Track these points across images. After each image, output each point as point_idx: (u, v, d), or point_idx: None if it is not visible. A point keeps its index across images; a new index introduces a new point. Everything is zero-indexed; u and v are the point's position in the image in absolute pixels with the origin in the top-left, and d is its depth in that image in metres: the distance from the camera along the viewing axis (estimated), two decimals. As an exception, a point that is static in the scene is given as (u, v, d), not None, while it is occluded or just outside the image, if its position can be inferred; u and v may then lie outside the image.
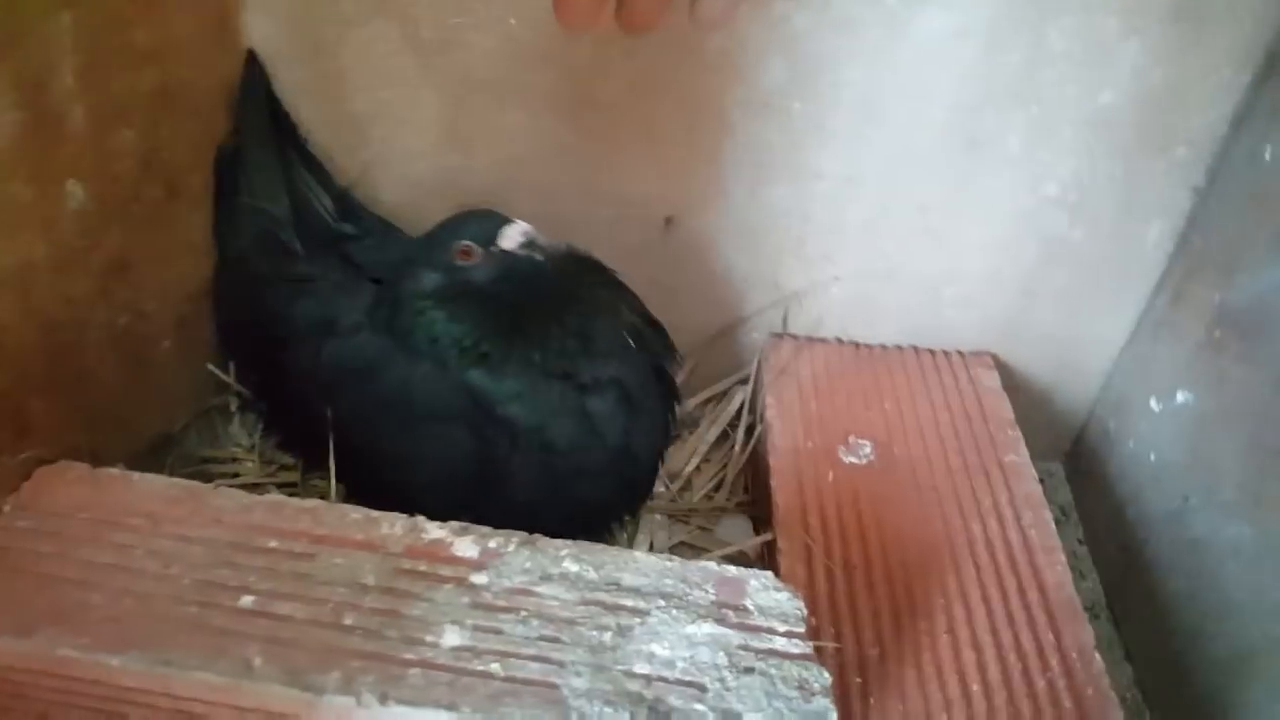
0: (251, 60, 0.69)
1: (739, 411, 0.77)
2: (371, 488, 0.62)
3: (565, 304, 0.59)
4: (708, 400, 0.80)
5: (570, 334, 0.58)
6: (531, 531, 0.50)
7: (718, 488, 0.74)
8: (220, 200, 0.69)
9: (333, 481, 0.62)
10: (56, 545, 0.47)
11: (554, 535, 0.50)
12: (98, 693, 0.44)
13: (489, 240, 0.58)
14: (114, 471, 0.52)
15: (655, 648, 0.44)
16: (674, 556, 0.49)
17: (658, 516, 0.72)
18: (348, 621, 0.44)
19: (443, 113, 0.73)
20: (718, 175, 0.70)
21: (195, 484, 0.51)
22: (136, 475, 0.52)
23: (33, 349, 0.50)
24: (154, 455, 0.67)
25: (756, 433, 0.71)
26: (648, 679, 0.43)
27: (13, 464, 0.49)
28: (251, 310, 0.68)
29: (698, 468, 0.76)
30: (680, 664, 0.43)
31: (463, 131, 0.73)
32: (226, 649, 0.43)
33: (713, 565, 0.48)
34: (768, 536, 0.61)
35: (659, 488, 0.74)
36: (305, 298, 0.66)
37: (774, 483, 0.63)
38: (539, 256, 0.58)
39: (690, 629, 0.45)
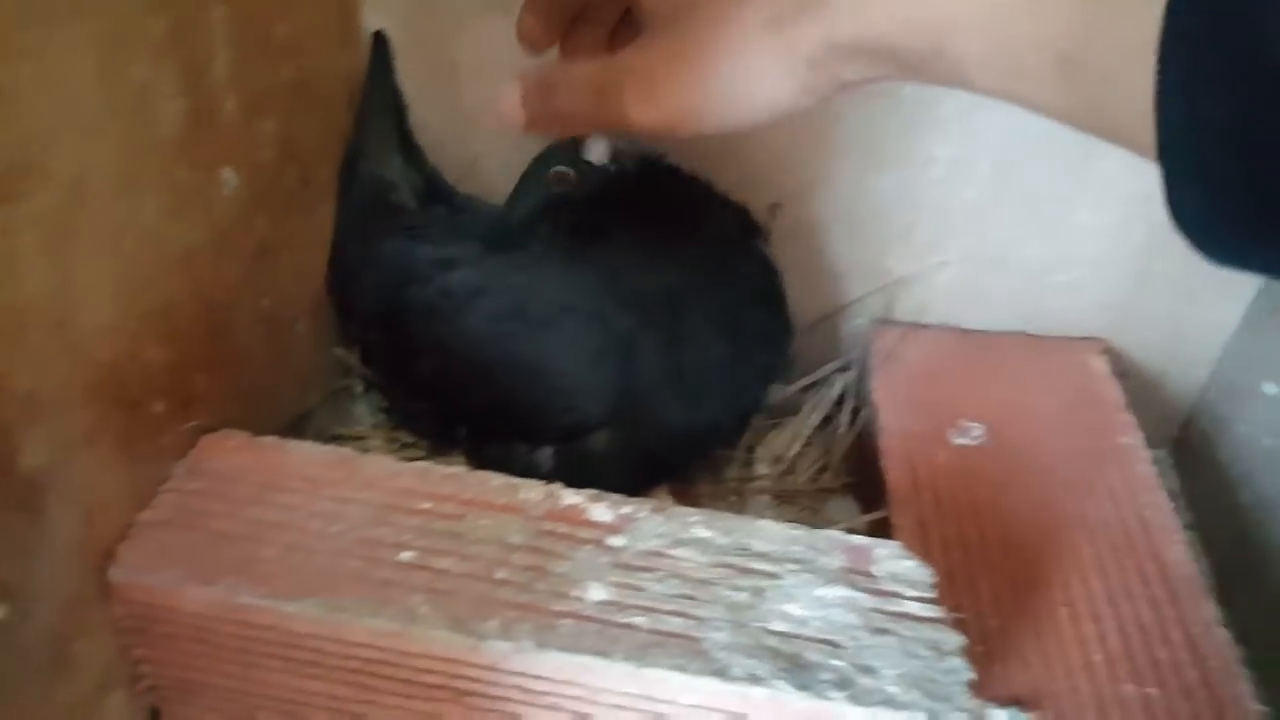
0: (379, 39, 0.72)
1: (841, 397, 0.79)
2: (494, 418, 0.65)
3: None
4: (808, 386, 0.82)
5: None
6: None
7: (822, 470, 0.75)
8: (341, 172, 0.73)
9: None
10: (226, 505, 0.51)
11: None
12: (272, 638, 0.47)
13: (576, 159, 0.61)
14: (271, 439, 0.56)
15: (789, 608, 0.46)
16: (800, 525, 0.51)
17: (764, 498, 0.74)
18: (499, 576, 0.47)
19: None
20: (825, 161, 0.72)
21: (347, 450, 0.55)
22: (291, 443, 0.55)
23: (197, 327, 0.53)
24: (293, 431, 0.70)
25: (862, 416, 0.73)
26: (784, 635, 0.45)
27: (181, 431, 0.53)
28: (368, 266, 0.71)
29: (801, 451, 0.77)
30: (815, 623, 0.45)
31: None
32: (392, 598, 0.46)
33: (838, 534, 0.50)
34: (881, 513, 0.63)
35: (763, 469, 0.76)
36: (419, 242, 0.69)
37: (884, 463, 0.65)
38: (628, 164, 0.60)
39: (822, 591, 0.47)
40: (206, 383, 0.56)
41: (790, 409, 0.80)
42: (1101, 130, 0.31)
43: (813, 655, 0.44)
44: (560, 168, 0.61)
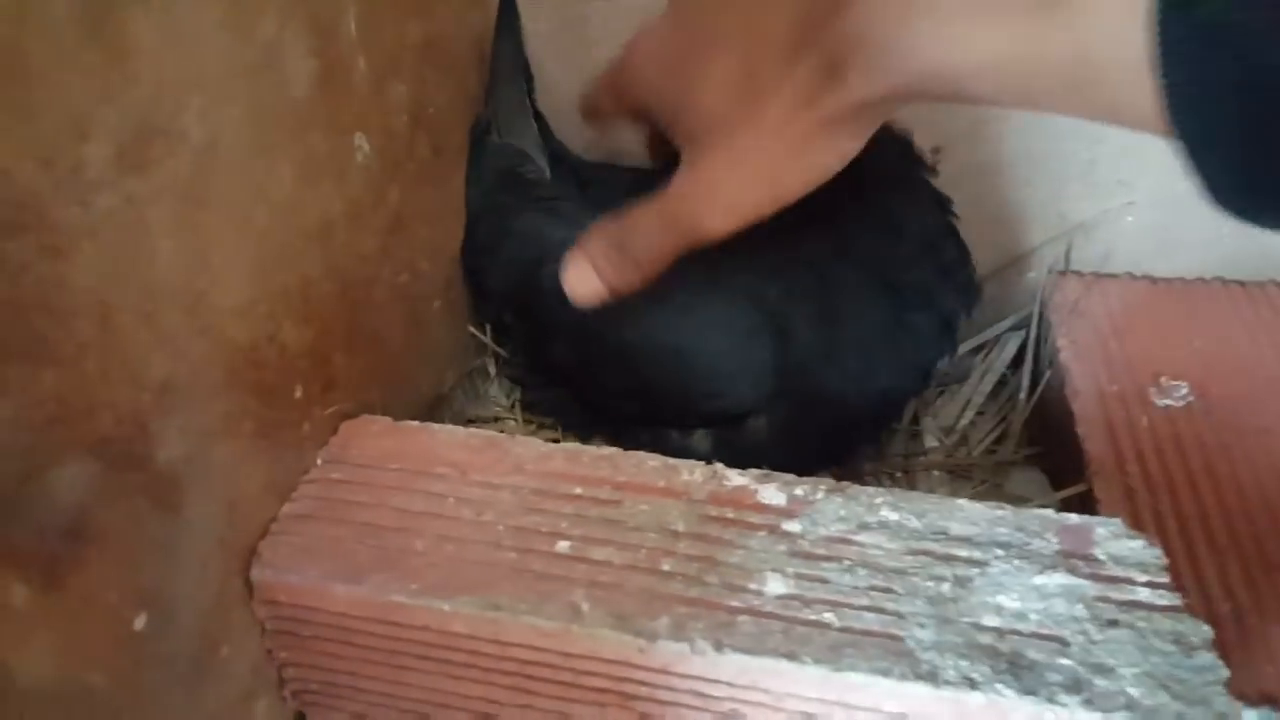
0: (507, 1, 0.68)
1: (1017, 358, 0.72)
2: (637, 406, 0.61)
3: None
4: (977, 348, 0.75)
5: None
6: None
7: (999, 441, 0.69)
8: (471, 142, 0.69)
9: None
10: (371, 495, 0.48)
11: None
12: (424, 639, 0.44)
13: None
14: (414, 424, 0.52)
15: (1002, 599, 0.40)
16: (1003, 505, 0.45)
17: (935, 473, 0.68)
18: (665, 567, 0.43)
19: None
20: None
21: (494, 434, 0.51)
22: (436, 426, 0.52)
23: (334, 304, 0.50)
24: (430, 415, 0.67)
25: (1045, 378, 0.66)
26: (999, 632, 0.39)
27: (322, 417, 0.50)
28: (501, 242, 0.68)
29: (973, 421, 0.71)
30: (1034, 616, 0.40)
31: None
32: (552, 594, 0.42)
33: (1050, 513, 0.44)
34: (1080, 488, 0.56)
35: (932, 442, 0.70)
36: (556, 219, 0.65)
37: (1081, 430, 0.58)
38: None
39: (1039, 580, 0.41)
40: (346, 365, 0.53)
41: (958, 374, 0.73)
42: (1121, 126, 0.32)
43: (1035, 654, 0.38)
44: None
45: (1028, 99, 0.35)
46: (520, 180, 0.68)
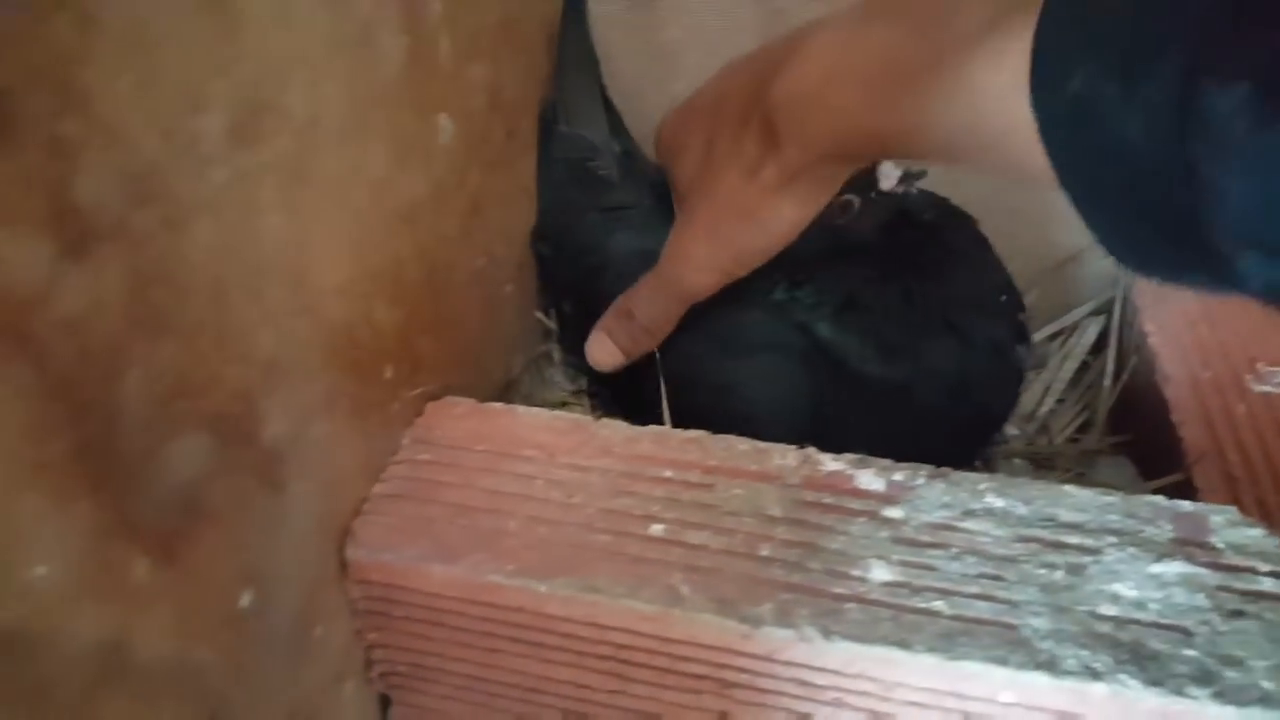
0: None
1: (1097, 343, 0.70)
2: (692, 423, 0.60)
3: (935, 252, 0.55)
4: (1055, 335, 0.73)
5: (947, 283, 0.54)
6: None
7: (1082, 428, 0.67)
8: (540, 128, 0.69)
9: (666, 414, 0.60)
10: (459, 476, 0.47)
11: None
12: (519, 620, 0.43)
13: (868, 186, 0.54)
14: (497, 405, 0.52)
15: (1118, 588, 0.39)
16: (1111, 491, 0.44)
17: (1016, 461, 0.66)
18: (764, 553, 0.42)
19: (764, 29, 0.70)
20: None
21: (579, 416, 0.51)
22: (520, 408, 0.51)
23: (421, 286, 0.50)
24: (501, 398, 0.67)
25: (1131, 364, 0.64)
26: (1118, 621, 0.38)
27: (409, 398, 0.50)
28: (566, 240, 0.68)
29: (1054, 408, 0.69)
30: (1153, 606, 0.38)
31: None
32: (650, 577, 0.41)
33: (1161, 500, 0.43)
34: (1176, 477, 0.55)
35: (1012, 430, 0.68)
36: (621, 228, 0.64)
37: (1176, 418, 0.56)
38: (914, 189, 0.54)
39: (1156, 568, 0.40)
40: (430, 347, 0.52)
41: (1036, 361, 0.72)
42: (1035, 185, 0.33)
43: (1157, 644, 0.37)
44: (849, 196, 0.54)
45: (950, 158, 0.38)
46: (589, 176, 0.67)
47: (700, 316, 0.56)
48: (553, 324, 0.74)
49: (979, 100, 0.34)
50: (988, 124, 0.34)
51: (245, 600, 0.37)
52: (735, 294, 0.53)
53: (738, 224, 0.49)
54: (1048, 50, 0.31)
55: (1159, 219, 0.29)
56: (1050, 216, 0.70)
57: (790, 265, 0.54)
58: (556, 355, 0.77)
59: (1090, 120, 0.29)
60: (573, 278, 0.68)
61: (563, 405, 0.75)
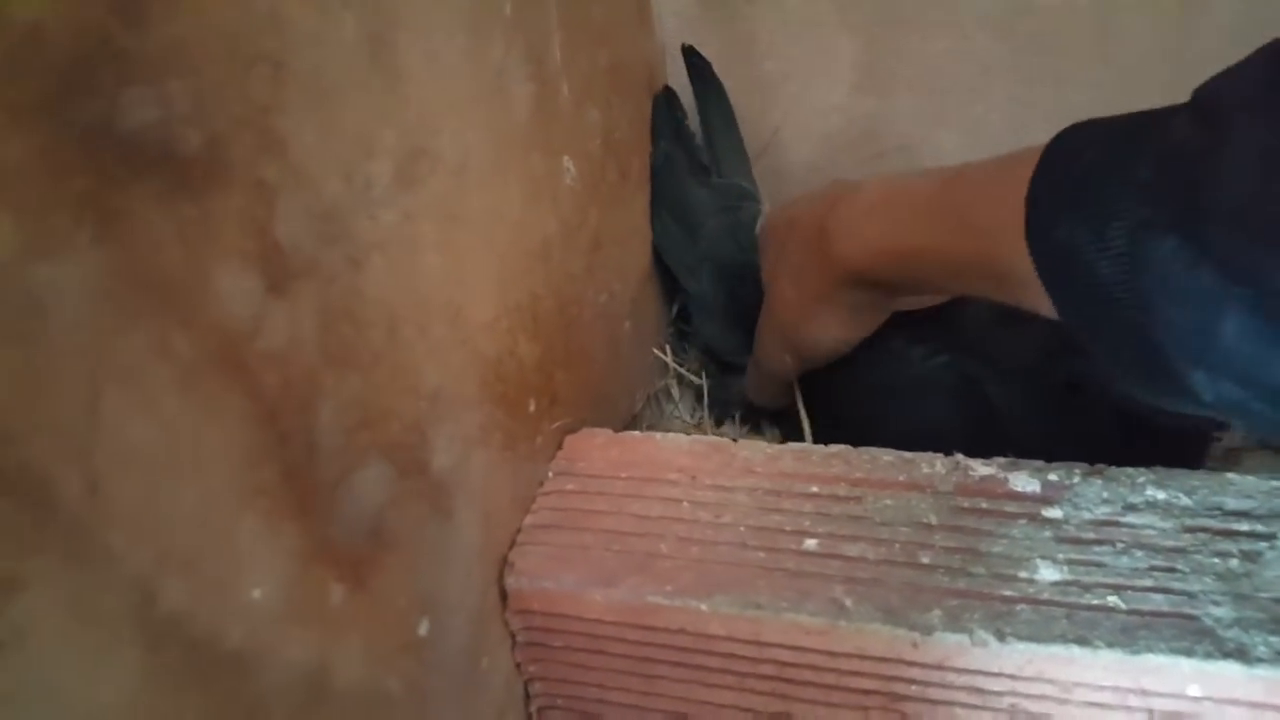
0: (692, 55, 0.71)
1: None
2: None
3: None
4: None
5: None
6: None
7: (1221, 425, 0.65)
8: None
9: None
10: (607, 503, 0.48)
11: None
12: (679, 643, 0.43)
13: None
14: (635, 434, 0.53)
15: (1300, 572, 0.38)
16: (1278, 475, 0.42)
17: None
18: (925, 560, 0.42)
19: (859, 56, 0.71)
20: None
21: (717, 439, 0.51)
22: (658, 435, 0.52)
23: (555, 321, 0.51)
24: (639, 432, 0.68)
25: None
26: (1306, 606, 0.37)
27: (550, 431, 0.51)
28: (720, 292, 0.70)
29: (1189, 408, 0.67)
30: (1339, 589, 0.37)
31: (880, 73, 0.70)
32: (811, 591, 0.41)
33: (1333, 481, 0.42)
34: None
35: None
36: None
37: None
38: None
39: (1337, 549, 0.38)
40: (565, 381, 0.54)
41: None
42: (1042, 313, 0.40)
43: (1352, 628, 0.36)
44: None
45: (962, 286, 0.46)
46: (741, 226, 0.68)
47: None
48: (669, 359, 0.76)
49: (986, 235, 0.41)
50: (998, 256, 0.40)
51: (423, 629, 0.38)
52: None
53: (792, 326, 0.56)
54: (1039, 202, 0.37)
55: (1135, 347, 0.35)
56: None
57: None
58: (675, 391, 0.78)
59: (1073, 261, 0.35)
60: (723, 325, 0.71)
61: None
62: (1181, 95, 0.35)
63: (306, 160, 0.29)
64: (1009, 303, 0.42)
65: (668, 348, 0.78)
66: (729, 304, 0.69)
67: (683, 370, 0.78)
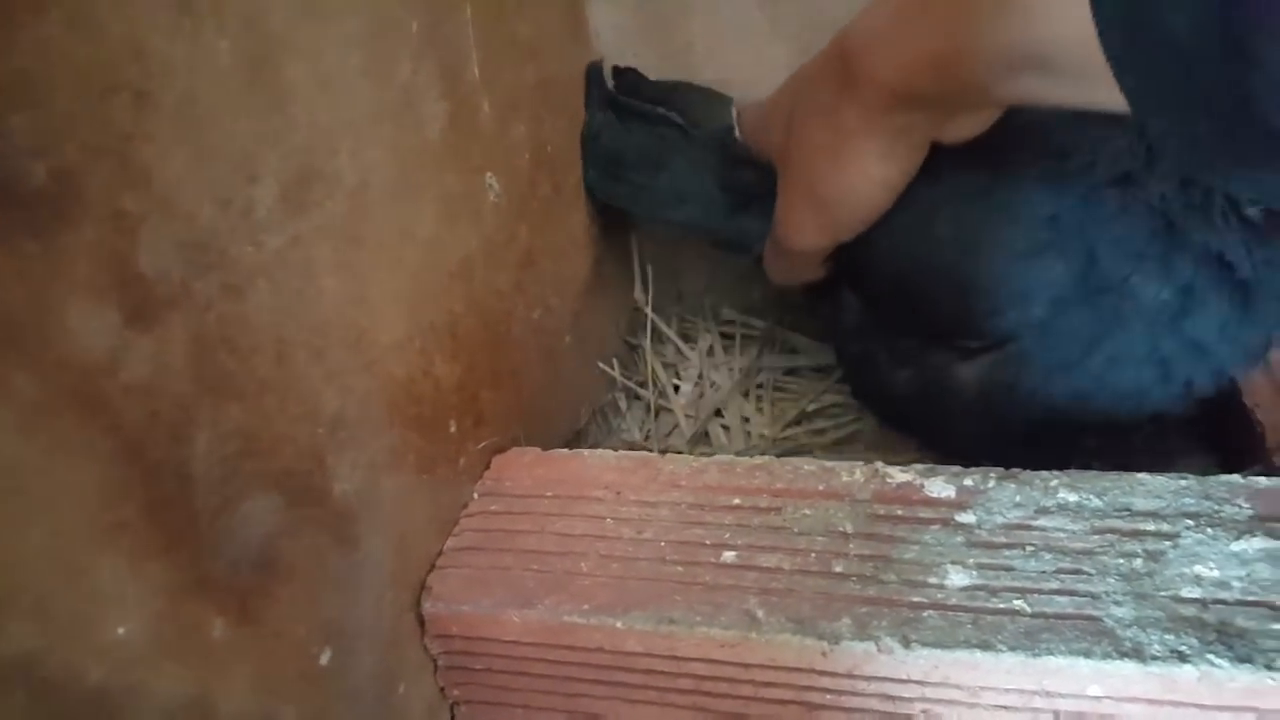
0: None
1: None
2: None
3: None
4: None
5: None
6: None
7: (1158, 428, 0.66)
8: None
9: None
10: (531, 523, 0.48)
11: None
12: (598, 661, 0.43)
13: None
14: (564, 451, 0.53)
15: (1200, 570, 0.38)
16: (1186, 475, 0.43)
17: (1095, 465, 0.64)
18: (838, 569, 0.42)
19: (793, 60, 0.71)
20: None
21: (644, 453, 0.51)
22: (586, 451, 0.52)
23: (478, 340, 0.51)
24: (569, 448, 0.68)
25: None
26: (1202, 603, 0.37)
27: (475, 451, 0.51)
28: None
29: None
30: (1236, 584, 0.37)
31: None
32: (725, 604, 0.41)
33: (1236, 478, 0.42)
34: (1257, 470, 0.53)
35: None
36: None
37: (1249, 401, 0.55)
38: None
39: (1237, 546, 0.39)
40: (492, 400, 0.54)
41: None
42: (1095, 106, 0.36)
43: (1245, 621, 0.36)
44: None
45: (1008, 84, 0.40)
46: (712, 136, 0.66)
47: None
48: (617, 373, 0.76)
49: (1035, 11, 0.36)
50: (1042, 33, 0.35)
51: (325, 658, 0.38)
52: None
53: (828, 179, 0.49)
54: None
55: (1212, 105, 0.30)
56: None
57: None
58: (623, 404, 0.78)
59: (1142, 18, 0.31)
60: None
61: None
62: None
63: (175, 188, 0.29)
64: (1058, 101, 0.38)
65: (615, 361, 0.78)
66: (727, 195, 0.66)
67: (631, 384, 0.78)
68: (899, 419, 0.65)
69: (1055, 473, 0.44)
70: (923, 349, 0.56)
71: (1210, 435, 0.62)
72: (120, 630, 0.27)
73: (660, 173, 0.68)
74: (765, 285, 0.81)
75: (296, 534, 0.35)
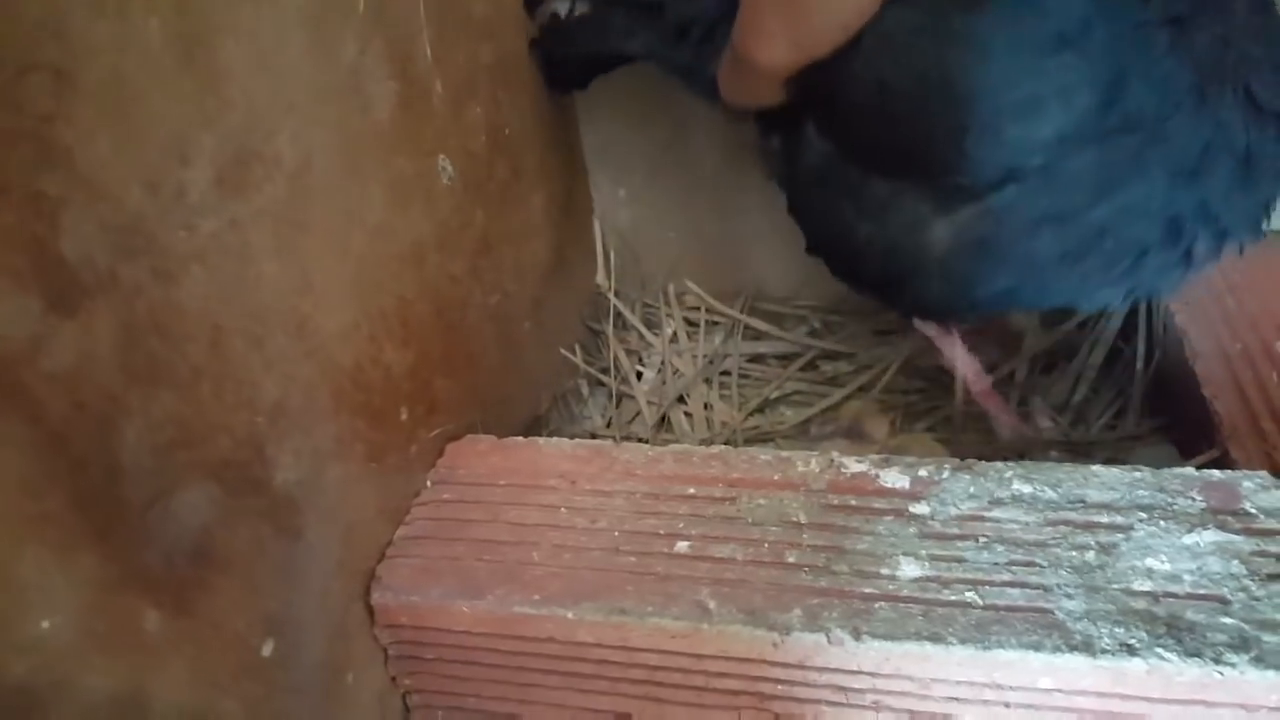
0: None
1: (1124, 328, 0.69)
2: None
3: None
4: (1083, 323, 0.72)
5: None
6: None
7: (1118, 415, 0.66)
8: None
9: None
10: (484, 512, 0.47)
11: None
12: (549, 651, 0.43)
13: None
14: (519, 439, 0.52)
15: (1151, 562, 0.38)
16: (1140, 467, 0.43)
17: (1053, 454, 0.65)
18: (791, 559, 0.42)
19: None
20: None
21: (600, 442, 0.51)
22: (541, 440, 0.52)
23: (431, 326, 0.50)
24: (528, 435, 0.67)
25: (1160, 346, 0.63)
26: (1153, 596, 0.37)
27: (428, 439, 0.50)
28: None
29: (1087, 397, 0.68)
30: (1187, 577, 0.37)
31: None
32: (677, 595, 0.41)
33: (1191, 471, 0.42)
34: (1213, 453, 0.53)
35: (1044, 422, 0.67)
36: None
37: (1207, 392, 0.55)
38: None
39: (1189, 539, 0.39)
40: (446, 387, 0.53)
41: (1064, 351, 0.71)
42: None
43: (1194, 615, 0.36)
44: None
45: None
46: None
47: None
48: (579, 359, 0.75)
49: None
50: None
51: (267, 649, 0.37)
52: None
53: None
54: None
55: None
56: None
57: None
58: (585, 390, 0.78)
59: None
60: None
61: (594, 438, 0.76)
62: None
63: (99, 171, 0.28)
64: None
65: (578, 347, 0.77)
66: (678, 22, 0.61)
67: (593, 370, 0.77)
68: (854, 275, 0.58)
69: (1010, 464, 0.44)
70: (894, 197, 0.50)
71: (1169, 424, 0.62)
72: (45, 624, 0.26)
73: (611, 14, 0.64)
74: (730, 271, 0.81)
75: (235, 524, 0.35)
